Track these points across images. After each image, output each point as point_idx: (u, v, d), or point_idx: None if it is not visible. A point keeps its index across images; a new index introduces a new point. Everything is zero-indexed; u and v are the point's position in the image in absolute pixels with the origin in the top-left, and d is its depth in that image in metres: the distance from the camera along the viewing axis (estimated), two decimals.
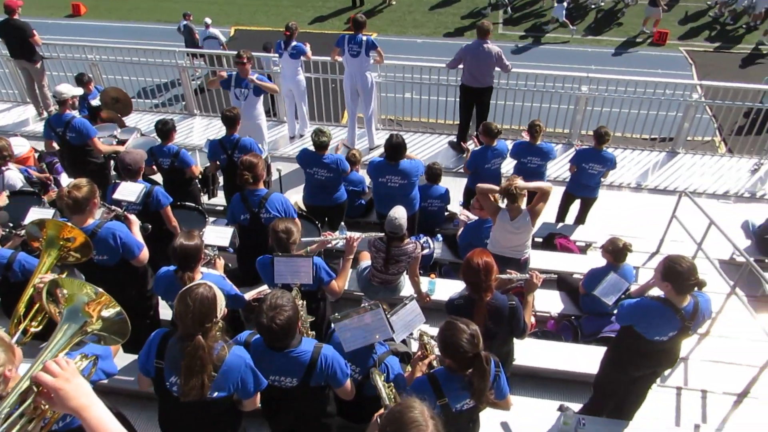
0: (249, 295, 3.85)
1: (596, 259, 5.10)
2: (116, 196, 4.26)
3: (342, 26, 15.70)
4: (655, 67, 12.74)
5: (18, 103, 9.16)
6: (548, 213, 5.72)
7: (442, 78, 8.03)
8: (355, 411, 3.19)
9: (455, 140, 7.99)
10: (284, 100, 8.13)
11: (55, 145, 5.79)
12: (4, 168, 5.07)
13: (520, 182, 4.37)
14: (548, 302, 4.84)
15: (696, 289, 3.14)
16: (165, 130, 5.32)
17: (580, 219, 6.30)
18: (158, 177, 5.68)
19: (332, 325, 2.92)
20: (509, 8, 16.30)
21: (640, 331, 3.22)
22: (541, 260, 5.09)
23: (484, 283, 3.19)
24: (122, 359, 3.58)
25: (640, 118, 7.91)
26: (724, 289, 4.72)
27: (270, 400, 2.83)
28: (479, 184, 4.65)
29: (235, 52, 6.47)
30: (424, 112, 8.34)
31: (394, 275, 4.42)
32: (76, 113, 5.93)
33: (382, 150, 5.57)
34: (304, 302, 3.30)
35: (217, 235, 4.30)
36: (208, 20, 12.30)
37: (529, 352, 4.13)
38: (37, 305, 2.59)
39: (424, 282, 4.58)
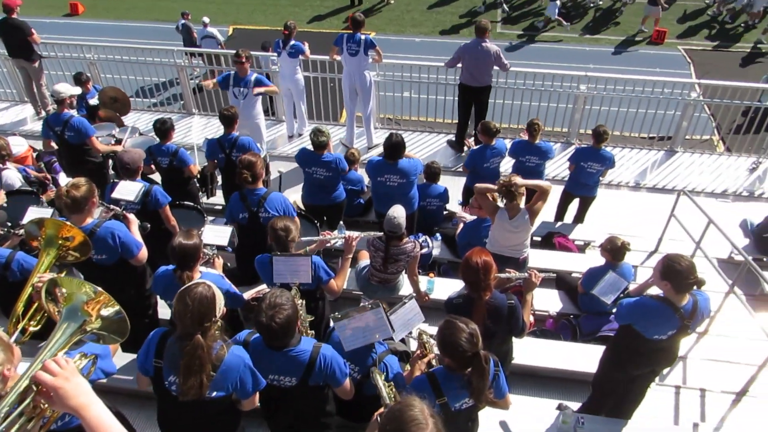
0: (248, 295, 3.85)
1: (595, 258, 5.12)
2: (115, 195, 4.25)
3: (340, 25, 15.69)
4: (654, 65, 12.71)
5: (16, 102, 9.15)
6: (547, 212, 5.72)
7: (441, 77, 8.01)
8: (354, 410, 3.19)
9: (454, 139, 7.99)
10: (283, 99, 8.13)
11: (53, 144, 5.79)
12: (2, 167, 5.07)
13: (518, 180, 4.36)
14: (547, 301, 4.85)
15: (695, 287, 3.14)
16: (163, 129, 5.32)
17: (579, 218, 6.30)
18: (157, 176, 5.67)
19: (332, 324, 2.92)
20: (506, 6, 16.28)
21: (639, 330, 3.22)
22: (539, 259, 5.09)
23: (483, 282, 3.19)
24: (121, 358, 3.58)
25: (639, 117, 7.91)
26: (722, 288, 4.72)
27: (269, 399, 2.83)
28: (477, 184, 4.64)
29: (234, 51, 6.46)
30: (422, 111, 8.31)
31: (393, 274, 4.42)
32: (74, 112, 5.92)
33: (380, 149, 5.55)
34: (303, 301, 3.30)
35: (216, 234, 4.28)
36: (206, 19, 12.30)
37: (528, 351, 4.13)
38: (36, 304, 2.60)
39: (423, 281, 4.58)
